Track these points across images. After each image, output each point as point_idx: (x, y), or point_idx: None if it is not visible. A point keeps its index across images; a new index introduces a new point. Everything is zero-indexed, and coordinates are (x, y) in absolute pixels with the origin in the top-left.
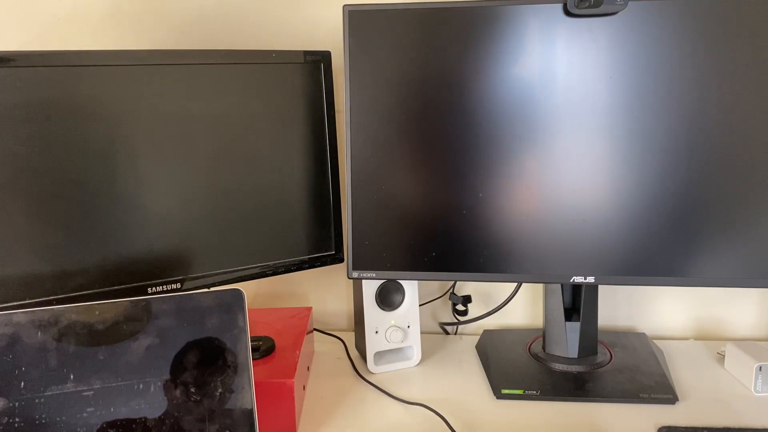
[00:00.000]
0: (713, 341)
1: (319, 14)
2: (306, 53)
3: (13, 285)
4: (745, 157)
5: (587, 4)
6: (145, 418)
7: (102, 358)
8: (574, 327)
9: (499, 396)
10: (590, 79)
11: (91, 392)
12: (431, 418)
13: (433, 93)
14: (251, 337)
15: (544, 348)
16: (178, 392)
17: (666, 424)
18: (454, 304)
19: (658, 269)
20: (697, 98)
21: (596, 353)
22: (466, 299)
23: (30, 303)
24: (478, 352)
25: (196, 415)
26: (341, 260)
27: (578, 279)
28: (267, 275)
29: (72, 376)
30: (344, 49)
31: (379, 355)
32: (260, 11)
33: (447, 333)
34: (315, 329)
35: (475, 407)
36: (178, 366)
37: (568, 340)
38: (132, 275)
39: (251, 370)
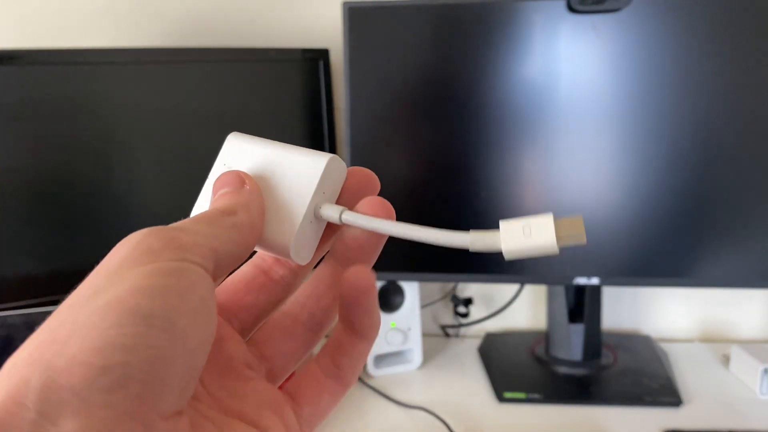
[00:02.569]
0: (718, 343)
1: (318, 11)
2: (304, 51)
3: (8, 286)
4: (752, 156)
5: (591, 0)
6: None
7: None
8: (578, 329)
9: (501, 399)
10: (594, 77)
11: None
12: (432, 423)
13: (434, 91)
14: None
15: (547, 351)
16: None
17: (671, 428)
18: (456, 306)
19: (663, 270)
20: (703, 96)
21: (600, 356)
22: (468, 301)
23: (24, 305)
24: (480, 354)
25: None
26: None
27: (582, 280)
28: None
29: None
30: (344, 47)
31: (379, 358)
32: (258, 9)
33: (448, 335)
34: None
35: (477, 411)
36: None
37: (571, 343)
38: None
39: None
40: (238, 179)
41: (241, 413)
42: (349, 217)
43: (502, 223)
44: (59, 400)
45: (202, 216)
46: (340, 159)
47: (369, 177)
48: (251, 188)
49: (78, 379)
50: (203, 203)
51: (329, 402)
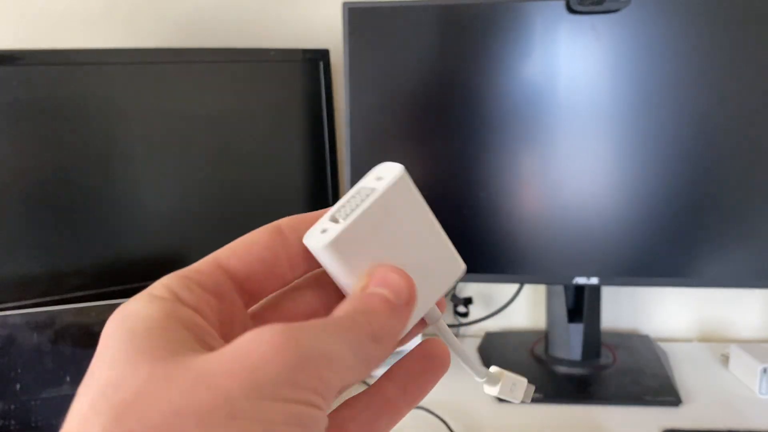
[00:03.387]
0: (718, 343)
1: (318, 12)
2: (304, 51)
3: (9, 286)
4: (751, 156)
5: (590, 1)
6: None
7: None
8: (578, 329)
9: (501, 399)
10: (594, 77)
11: None
12: (432, 422)
13: (434, 91)
14: None
15: (546, 350)
16: None
17: (670, 427)
18: (455, 306)
19: (662, 270)
20: (702, 97)
21: (599, 355)
22: (468, 301)
23: (25, 304)
24: (479, 354)
25: None
26: None
27: (581, 280)
28: None
29: (68, 379)
30: (344, 48)
31: None
32: (258, 9)
33: None
34: None
35: (477, 410)
36: None
37: (571, 342)
38: (128, 276)
39: None
40: (408, 296)
41: None
42: (442, 327)
43: (506, 373)
44: None
45: (348, 331)
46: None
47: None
48: (410, 311)
49: None
50: (359, 234)
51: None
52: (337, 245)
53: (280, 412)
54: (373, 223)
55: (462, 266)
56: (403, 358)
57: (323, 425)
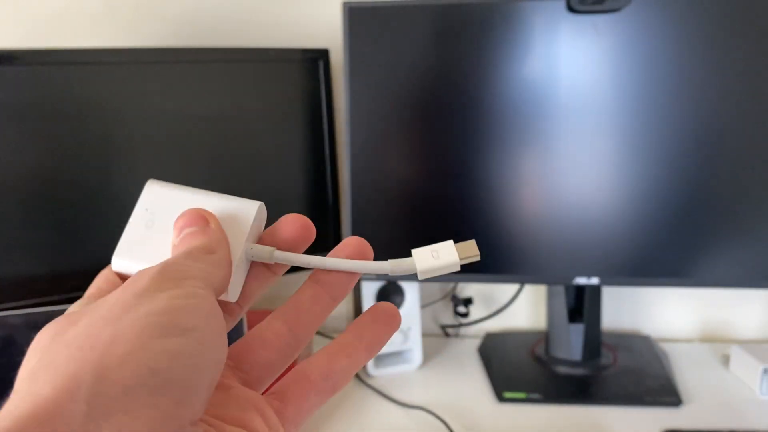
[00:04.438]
0: (718, 343)
1: (318, 11)
2: (304, 51)
3: (8, 286)
4: (752, 156)
5: (591, 0)
6: None
7: None
8: (578, 329)
9: (501, 399)
10: (594, 77)
11: None
12: (432, 423)
13: (435, 91)
14: None
15: (547, 350)
16: None
17: (671, 428)
18: (456, 306)
19: (663, 270)
20: (703, 96)
21: (600, 356)
22: (468, 301)
23: (24, 305)
24: (480, 354)
25: None
26: None
27: (582, 280)
28: None
29: None
30: (344, 47)
31: (379, 358)
32: (258, 8)
33: (448, 335)
34: None
35: (477, 411)
36: None
37: (571, 343)
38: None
39: None
40: (202, 219)
41: (230, 417)
42: (280, 255)
43: (414, 251)
44: (110, 397)
45: (187, 254)
46: (264, 206)
47: (306, 226)
48: (216, 227)
49: (129, 377)
50: (134, 237)
51: (315, 403)
52: (120, 256)
53: (175, 296)
54: (143, 223)
55: (255, 204)
56: (358, 317)
57: (212, 299)
